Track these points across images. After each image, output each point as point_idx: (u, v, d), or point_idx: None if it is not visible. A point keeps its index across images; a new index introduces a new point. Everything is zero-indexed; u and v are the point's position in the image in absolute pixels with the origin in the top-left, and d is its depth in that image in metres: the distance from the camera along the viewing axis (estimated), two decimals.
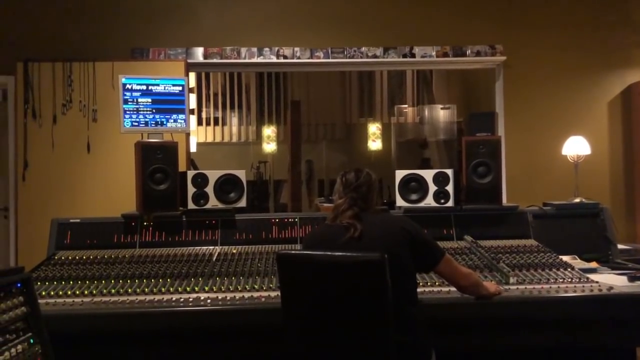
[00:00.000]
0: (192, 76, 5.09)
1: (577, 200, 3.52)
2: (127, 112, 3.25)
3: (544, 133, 5.11)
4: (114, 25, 4.88)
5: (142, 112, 3.27)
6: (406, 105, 9.29)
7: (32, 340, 2.03)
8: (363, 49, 5.05)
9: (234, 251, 3.00)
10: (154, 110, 3.29)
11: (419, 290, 2.22)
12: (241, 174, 3.26)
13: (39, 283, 2.58)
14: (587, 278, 2.59)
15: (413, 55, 5.08)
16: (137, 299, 2.41)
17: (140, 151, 3.16)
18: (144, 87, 3.28)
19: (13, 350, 1.91)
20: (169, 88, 3.32)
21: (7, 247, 4.78)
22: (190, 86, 4.35)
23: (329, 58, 5.03)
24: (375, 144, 8.84)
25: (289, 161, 8.21)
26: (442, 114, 8.54)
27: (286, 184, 8.67)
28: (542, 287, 2.48)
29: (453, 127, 8.41)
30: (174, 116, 3.32)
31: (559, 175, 4.68)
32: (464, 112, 8.00)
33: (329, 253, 1.93)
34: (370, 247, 1.99)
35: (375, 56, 5.06)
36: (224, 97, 9.40)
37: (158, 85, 3.30)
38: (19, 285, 2.05)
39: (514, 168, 5.06)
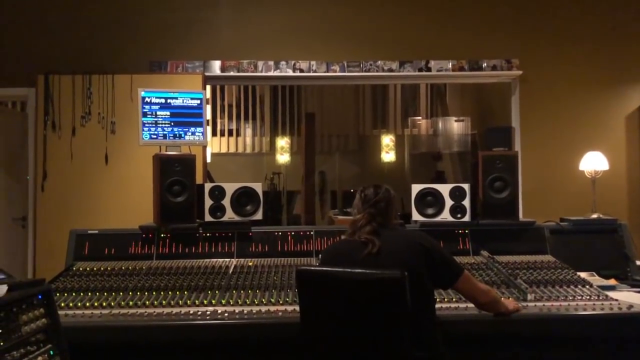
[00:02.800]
0: (208, 88, 5.14)
1: (595, 216, 3.49)
2: (146, 124, 3.29)
3: (560, 148, 5.08)
4: (132, 39, 4.95)
5: (160, 125, 3.31)
6: (420, 117, 9.29)
7: (52, 352, 2.05)
8: (379, 62, 5.07)
9: (250, 264, 3.00)
10: (172, 124, 3.32)
11: (436, 306, 2.21)
12: (257, 186, 3.28)
13: (58, 294, 2.61)
14: (606, 296, 2.56)
15: (429, 69, 5.09)
16: (154, 312, 2.43)
17: (158, 164, 3.19)
18: (163, 101, 3.32)
19: None
20: (187, 101, 3.35)
21: (25, 256, 4.83)
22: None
23: (344, 71, 5.06)
24: (388, 156, 8.84)
25: (302, 173, 8.24)
26: (456, 126, 8.53)
27: (299, 196, 8.69)
28: (560, 305, 2.46)
29: (467, 140, 8.39)
30: (192, 129, 3.35)
31: (576, 190, 4.64)
32: (478, 125, 7.98)
33: (349, 270, 1.93)
34: (388, 264, 1.99)
35: (390, 70, 5.08)
36: (239, 108, 9.48)
37: (176, 98, 3.34)
38: (40, 297, 2.07)
39: (531, 183, 5.03)
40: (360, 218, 2.17)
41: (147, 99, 3.30)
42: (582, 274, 2.86)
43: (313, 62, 5.04)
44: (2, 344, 1.80)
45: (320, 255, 2.72)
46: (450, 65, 5.10)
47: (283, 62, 5.01)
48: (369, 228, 2.13)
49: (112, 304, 2.51)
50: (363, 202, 2.22)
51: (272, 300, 2.52)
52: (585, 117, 5.19)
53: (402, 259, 2.04)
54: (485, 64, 5.11)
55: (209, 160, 5.53)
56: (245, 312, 2.41)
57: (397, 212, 2.35)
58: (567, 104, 5.18)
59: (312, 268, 2.18)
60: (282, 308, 2.45)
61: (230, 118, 9.46)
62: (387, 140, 8.89)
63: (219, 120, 9.25)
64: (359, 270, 1.92)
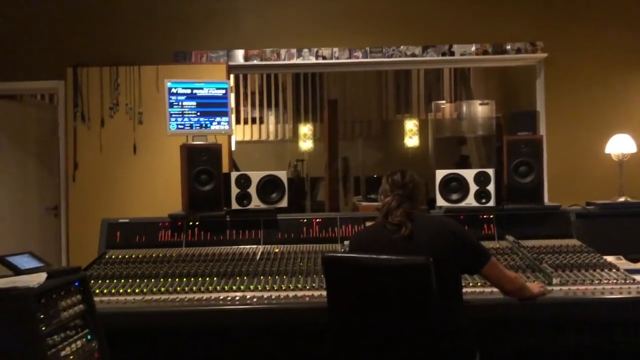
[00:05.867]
0: (231, 77, 5.18)
1: (622, 199, 3.47)
2: (173, 115, 3.36)
3: (586, 131, 5.01)
4: (157, 30, 5.00)
5: (187, 115, 3.37)
6: (443, 101, 9.22)
7: (89, 336, 2.14)
8: (401, 47, 5.05)
9: (277, 250, 3.07)
10: (198, 114, 3.38)
11: (462, 291, 2.24)
12: (282, 174, 3.33)
13: (92, 281, 2.69)
14: (633, 279, 2.55)
15: (452, 54, 5.06)
16: (186, 297, 2.50)
17: (185, 153, 3.26)
18: (189, 91, 3.37)
19: (73, 345, 2.02)
20: (212, 91, 3.41)
21: (59, 244, 4.98)
22: None
23: (367, 58, 5.05)
24: (412, 141, 8.82)
25: (326, 159, 8.26)
26: (480, 109, 8.43)
27: (323, 182, 8.73)
28: (586, 288, 2.46)
29: (492, 123, 8.29)
30: (218, 119, 3.41)
31: (603, 174, 4.58)
32: (503, 108, 7.89)
33: (375, 256, 1.97)
34: (419, 248, 2.02)
35: (413, 55, 5.05)
36: (262, 95, 9.53)
37: (202, 88, 3.39)
38: (76, 284, 2.16)
39: (557, 167, 4.98)
40: (390, 200, 2.19)
41: (174, 90, 3.36)
42: (609, 258, 2.85)
43: (335, 49, 5.05)
44: (44, 328, 1.89)
45: (347, 242, 2.75)
46: (473, 49, 5.06)
47: (305, 50, 5.02)
48: (401, 210, 2.15)
49: (145, 290, 2.59)
50: (391, 185, 2.24)
51: (299, 285, 2.58)
52: (611, 99, 5.09)
53: (433, 244, 2.06)
54: (509, 47, 5.05)
55: (233, 148, 5.60)
56: (273, 297, 2.48)
57: (424, 197, 2.37)
58: (593, 87, 5.09)
59: (338, 255, 2.22)
60: (309, 293, 2.50)
61: (253, 106, 9.53)
62: (411, 125, 8.86)
63: (242, 108, 9.32)
64: (384, 257, 1.95)
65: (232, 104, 3.54)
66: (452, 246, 2.09)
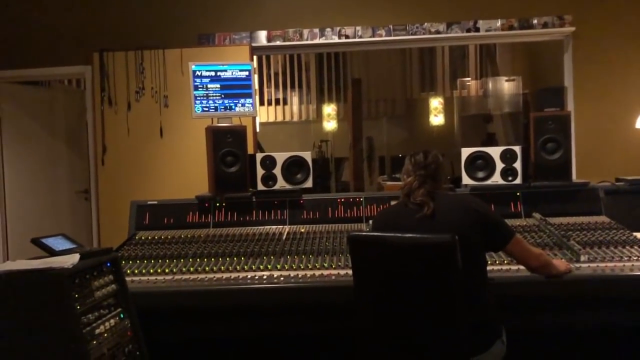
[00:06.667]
0: (254, 58, 5.19)
1: None
2: (198, 98, 3.39)
3: (616, 106, 4.89)
4: (180, 13, 5.02)
5: (211, 98, 3.40)
6: (469, 78, 9.09)
7: (122, 315, 2.21)
8: (425, 24, 4.98)
9: (302, 230, 3.09)
10: (222, 96, 3.41)
11: (488, 269, 2.24)
12: (307, 155, 3.35)
13: (123, 262, 2.76)
14: None
15: (477, 30, 4.97)
16: (214, 277, 2.55)
17: (211, 136, 3.29)
18: (213, 73, 3.40)
19: (107, 324, 2.09)
20: (236, 73, 3.43)
21: (90, 226, 5.10)
22: None
23: (390, 36, 5.00)
24: (437, 119, 8.72)
25: (350, 139, 8.25)
26: (506, 86, 8.29)
27: (347, 162, 8.73)
28: (614, 265, 2.44)
29: (518, 100, 8.15)
30: (242, 100, 3.43)
31: (633, 149, 4.50)
32: (530, 84, 7.74)
33: (399, 235, 1.98)
34: (442, 227, 2.02)
35: (438, 32, 4.98)
36: (285, 76, 9.52)
37: (226, 71, 3.42)
38: (108, 264, 2.23)
39: (585, 143, 4.88)
40: (412, 180, 2.20)
41: (198, 73, 3.39)
42: (638, 235, 2.80)
43: (358, 28, 5.00)
44: (79, 307, 1.95)
45: (371, 221, 2.76)
46: (499, 24, 4.96)
47: (328, 29, 4.99)
48: (422, 190, 2.16)
49: (174, 270, 2.65)
50: (413, 165, 2.24)
51: (325, 264, 2.61)
52: None
53: (456, 222, 2.06)
54: (535, 22, 4.94)
55: (257, 129, 5.63)
56: (299, 276, 2.51)
57: (447, 177, 2.37)
58: (622, 61, 4.95)
59: (363, 234, 2.24)
60: (335, 272, 2.53)
61: (276, 87, 9.53)
62: (436, 103, 8.75)
63: (265, 90, 9.33)
64: (409, 235, 1.96)
65: (256, 85, 3.55)
66: (475, 224, 2.09)
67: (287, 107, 9.60)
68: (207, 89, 3.39)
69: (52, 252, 2.15)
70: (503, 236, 2.16)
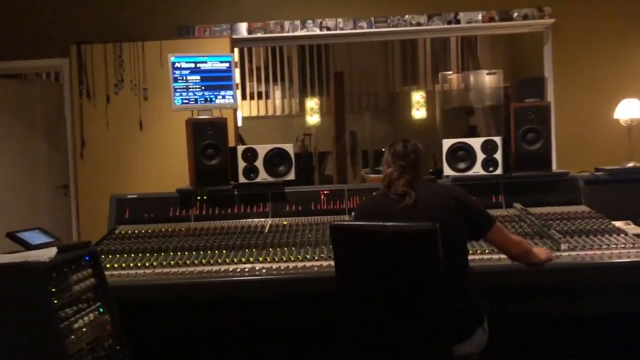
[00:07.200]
0: (236, 51, 5.15)
1: (631, 164, 3.43)
2: (177, 90, 3.34)
3: (595, 97, 4.95)
4: (160, 4, 4.97)
5: (191, 90, 3.36)
6: (451, 72, 9.13)
7: (101, 309, 2.17)
8: (406, 16, 4.98)
9: (285, 223, 3.07)
10: (202, 88, 3.37)
11: (469, 258, 2.24)
12: (289, 147, 3.33)
13: (103, 256, 2.72)
14: None
15: (458, 22, 4.98)
16: (195, 270, 2.53)
17: (191, 128, 3.25)
18: (193, 65, 3.36)
19: (86, 318, 2.05)
20: (216, 65, 3.39)
21: (69, 222, 5.03)
22: None
23: (372, 28, 4.99)
24: (419, 113, 8.74)
25: (333, 133, 8.23)
26: (487, 79, 8.36)
27: (331, 156, 8.72)
28: (594, 253, 2.46)
29: (499, 93, 8.23)
30: (222, 92, 3.40)
31: (612, 139, 4.54)
32: (511, 77, 7.81)
33: (381, 224, 1.97)
34: (424, 216, 2.02)
35: (419, 24, 4.99)
36: (267, 70, 9.46)
37: (206, 62, 3.37)
38: (87, 258, 2.18)
39: (564, 134, 4.94)
40: (392, 171, 2.19)
41: (177, 64, 3.34)
42: (618, 223, 2.83)
43: (340, 20, 4.99)
44: (56, 301, 1.91)
45: (353, 212, 2.76)
46: (480, 17, 4.98)
47: (310, 21, 4.97)
48: (403, 180, 2.15)
49: (155, 263, 2.61)
50: (393, 156, 2.23)
51: (308, 256, 2.59)
52: (619, 64, 5.02)
53: (438, 211, 2.06)
54: (516, 14, 4.97)
55: (240, 124, 5.59)
56: (282, 268, 2.50)
57: (427, 166, 2.36)
58: (602, 52, 5.02)
59: (346, 223, 2.23)
60: (318, 263, 2.52)
61: (259, 81, 9.47)
62: (418, 96, 8.78)
63: (247, 84, 9.27)
64: (392, 224, 1.96)
65: (238, 79, 3.52)
66: (456, 212, 2.09)
67: (269, 102, 9.55)
68: (186, 80, 3.35)
69: (28, 246, 2.10)
70: (484, 224, 2.17)
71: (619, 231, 2.71)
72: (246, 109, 9.17)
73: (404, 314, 1.95)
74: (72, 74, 4.74)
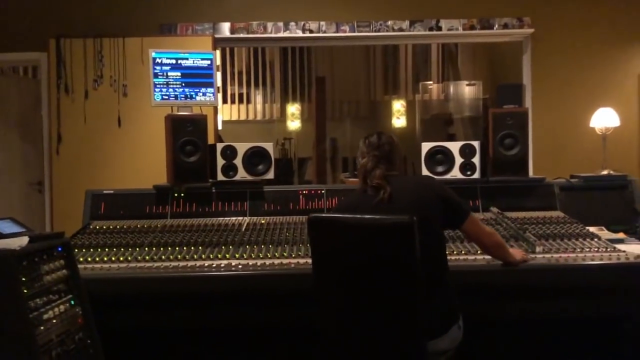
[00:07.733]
0: (218, 53, 5.14)
1: (605, 172, 3.49)
2: (158, 85, 3.31)
3: (572, 106, 5.05)
4: (143, 2, 4.93)
5: (171, 86, 3.33)
6: (431, 82, 9.22)
7: (72, 302, 2.13)
8: (389, 22, 5.02)
9: (263, 222, 3.05)
10: (183, 84, 3.34)
11: (446, 252, 2.24)
12: (269, 146, 3.31)
13: (76, 250, 2.66)
14: (614, 247, 2.59)
15: (439, 29, 5.04)
16: (170, 265, 2.49)
17: (170, 124, 3.22)
18: (174, 61, 3.33)
19: (56, 309, 2.01)
20: (197, 62, 3.37)
21: (43, 220, 4.93)
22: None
23: (354, 32, 5.02)
24: (399, 121, 8.81)
25: (314, 139, 8.24)
26: (467, 90, 8.46)
27: (311, 162, 8.72)
28: (568, 256, 2.49)
29: (478, 104, 8.33)
30: (203, 90, 3.38)
31: (587, 147, 4.64)
32: (490, 89, 7.91)
33: (359, 216, 1.97)
34: (400, 209, 2.02)
35: (401, 29, 5.03)
36: (249, 74, 9.44)
37: (187, 59, 3.35)
38: (59, 249, 2.15)
39: (541, 141, 5.01)
40: (367, 161, 2.20)
41: (158, 60, 3.31)
42: (591, 229, 2.88)
43: (322, 23, 5.00)
44: (26, 291, 1.87)
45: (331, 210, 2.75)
46: (461, 25, 5.04)
47: (292, 23, 4.98)
48: (378, 172, 2.15)
49: (129, 258, 2.58)
50: (367, 146, 2.24)
51: (285, 254, 2.58)
52: (597, 74, 5.14)
53: (414, 203, 2.07)
54: (496, 23, 5.05)
55: (220, 127, 5.57)
56: (258, 264, 2.47)
57: (402, 159, 2.37)
58: (579, 62, 5.12)
59: (323, 215, 2.22)
60: (295, 261, 2.50)
61: (240, 85, 9.45)
62: (398, 105, 8.86)
63: (229, 87, 9.24)
64: (368, 216, 1.96)
65: (219, 82, 3.50)
66: (433, 203, 2.10)
67: (250, 106, 9.53)
68: (167, 76, 3.32)
69: None
70: (460, 214, 2.18)
71: (592, 235, 2.75)
72: (227, 112, 9.14)
73: (380, 308, 1.94)
74: (50, 68, 4.68)
